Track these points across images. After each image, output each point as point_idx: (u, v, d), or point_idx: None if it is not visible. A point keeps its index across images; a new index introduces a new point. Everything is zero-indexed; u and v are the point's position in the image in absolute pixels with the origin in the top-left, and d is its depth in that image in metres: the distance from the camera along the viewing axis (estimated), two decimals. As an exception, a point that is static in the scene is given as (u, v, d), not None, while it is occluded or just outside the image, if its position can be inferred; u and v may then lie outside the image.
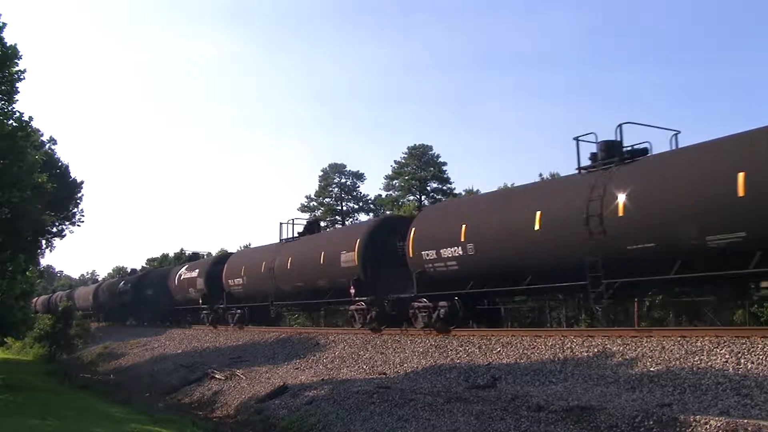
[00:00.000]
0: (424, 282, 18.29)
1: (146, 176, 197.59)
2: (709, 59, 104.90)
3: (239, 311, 29.36)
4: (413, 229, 19.08)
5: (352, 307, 21.48)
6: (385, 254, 20.19)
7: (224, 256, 34.47)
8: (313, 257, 23.18)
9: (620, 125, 14.80)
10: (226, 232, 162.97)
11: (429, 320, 18.15)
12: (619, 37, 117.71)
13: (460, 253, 17.03)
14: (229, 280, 29.72)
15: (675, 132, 14.55)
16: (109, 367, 29.17)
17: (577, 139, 15.56)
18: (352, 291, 20.66)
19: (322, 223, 54.35)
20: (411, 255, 18.79)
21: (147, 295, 41.13)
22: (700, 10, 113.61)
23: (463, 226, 17.02)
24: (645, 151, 14.56)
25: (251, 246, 51.39)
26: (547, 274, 14.88)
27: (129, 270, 64.39)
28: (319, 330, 23.36)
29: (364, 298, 20.71)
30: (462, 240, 16.90)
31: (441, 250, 17.60)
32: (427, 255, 18.04)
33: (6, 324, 20.97)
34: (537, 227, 14.92)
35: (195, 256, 42.19)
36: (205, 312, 32.77)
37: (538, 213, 14.98)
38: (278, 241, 27.50)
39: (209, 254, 51.66)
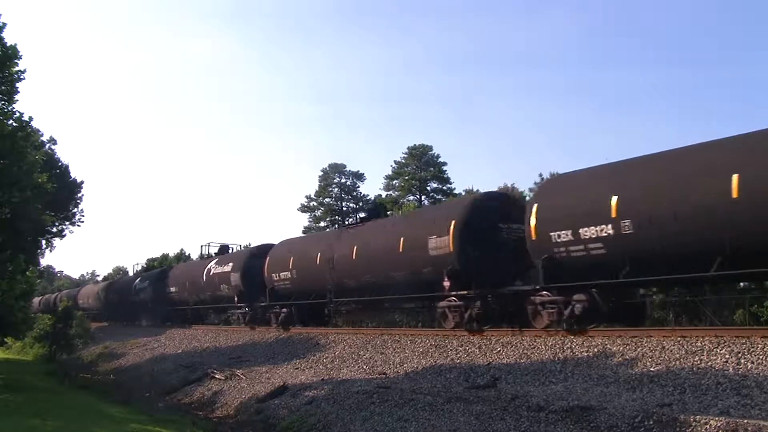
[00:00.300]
0: (551, 271, 15.02)
1: (146, 176, 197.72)
2: (709, 59, 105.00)
3: (285, 310, 25.66)
4: (535, 205, 15.83)
5: (442, 303, 18.02)
6: (486, 238, 17.13)
7: (264, 248, 30.05)
8: (387, 245, 19.75)
9: None
10: (225, 232, 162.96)
11: (558, 318, 14.94)
12: (619, 37, 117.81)
13: (610, 232, 13.78)
14: (273, 275, 26.07)
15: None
16: (109, 367, 29.14)
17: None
18: (447, 284, 17.35)
19: (322, 223, 54.54)
20: (534, 237, 15.44)
21: (169, 293, 37.87)
22: (700, 10, 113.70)
23: (614, 198, 13.82)
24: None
25: (243, 245, 50.11)
26: (749, 256, 11.78)
27: (142, 266, 61.64)
28: (319, 330, 23.29)
29: (462, 292, 17.22)
30: (613, 216, 13.73)
31: (580, 230, 14.33)
32: (559, 237, 14.76)
33: (6, 324, 20.94)
34: (735, 195, 11.81)
35: (224, 249, 36.70)
36: (240, 311, 29.59)
37: (735, 177, 11.85)
38: (335, 228, 25.12)
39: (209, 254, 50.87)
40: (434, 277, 17.70)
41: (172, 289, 37.63)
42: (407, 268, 18.82)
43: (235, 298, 29.37)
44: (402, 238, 19.14)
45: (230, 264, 30.75)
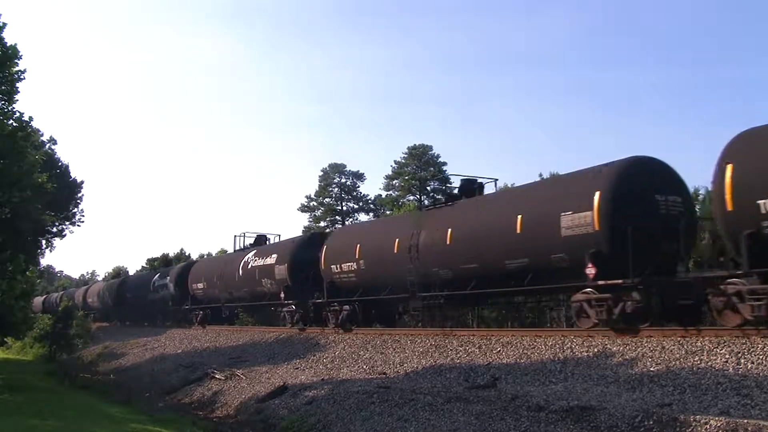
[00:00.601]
0: (755, 252, 11.56)
1: (146, 176, 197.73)
2: (709, 59, 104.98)
3: (347, 307, 21.86)
4: (729, 166, 12.14)
5: (579, 296, 14.56)
6: (643, 212, 13.83)
7: (315, 236, 27.35)
8: (497, 226, 16.26)
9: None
10: (226, 232, 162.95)
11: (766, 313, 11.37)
12: (619, 37, 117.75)
13: None
14: (333, 266, 22.36)
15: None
16: (109, 367, 29.17)
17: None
18: (591, 271, 14.01)
19: (322, 223, 54.51)
20: (730, 208, 12.05)
21: (193, 289, 34.38)
22: (700, 10, 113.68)
23: None
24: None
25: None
26: None
27: (142, 266, 59.67)
28: (319, 330, 23.26)
29: (614, 282, 13.54)
30: None
31: None
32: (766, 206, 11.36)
33: (6, 324, 20.97)
34: None
35: (262, 239, 32.35)
36: (286, 309, 25.74)
37: None
38: (416, 209, 21.58)
39: (209, 254, 50.32)
40: (570, 264, 14.49)
41: (198, 286, 33.86)
42: (527, 253, 15.41)
43: (282, 295, 25.31)
44: (520, 217, 15.61)
45: (274, 255, 26.49)
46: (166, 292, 38.08)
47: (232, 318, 34.11)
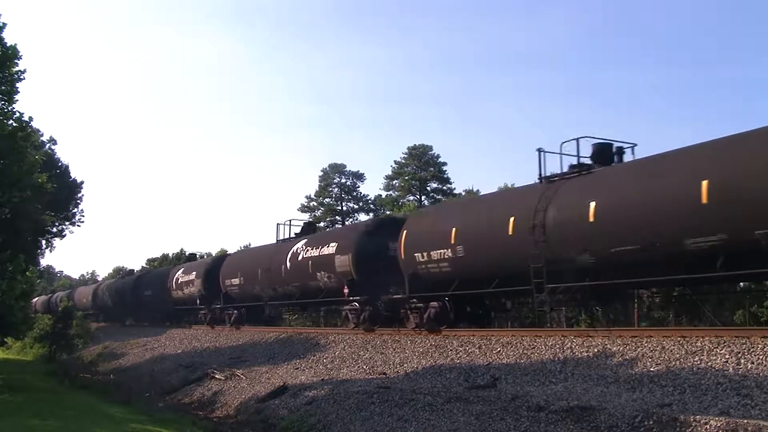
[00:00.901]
0: None
1: (146, 176, 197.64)
2: (709, 59, 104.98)
3: (436, 303, 18.21)
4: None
5: None
6: None
7: (387, 221, 23.93)
8: (670, 195, 12.49)
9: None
10: (225, 232, 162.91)
11: None
12: (619, 37, 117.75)
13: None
14: (417, 255, 18.46)
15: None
16: (109, 367, 29.16)
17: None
18: None
19: (321, 224, 54.50)
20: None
21: (230, 286, 30.06)
22: (700, 10, 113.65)
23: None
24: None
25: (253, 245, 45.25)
26: None
27: (142, 266, 56.79)
28: (319, 330, 23.27)
29: None
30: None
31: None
32: None
33: (6, 324, 20.97)
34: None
35: (311, 227, 28.85)
36: (348, 308, 22.23)
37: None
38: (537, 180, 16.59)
39: (208, 254, 49.70)
40: None
41: (233, 282, 29.72)
42: (719, 228, 11.64)
43: (345, 290, 21.27)
44: (706, 182, 11.72)
45: (333, 244, 22.57)
46: (190, 289, 33.87)
47: (276, 318, 30.94)
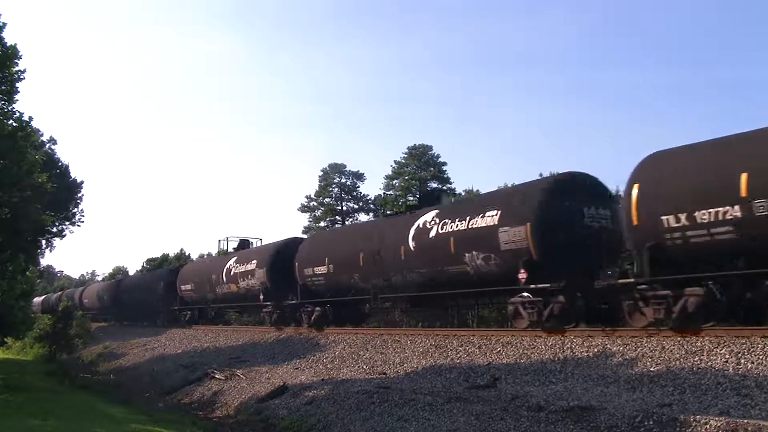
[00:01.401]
0: None
1: (146, 176, 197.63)
2: (709, 59, 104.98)
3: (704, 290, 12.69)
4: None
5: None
6: None
7: (578, 177, 16.51)
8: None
9: None
10: (225, 232, 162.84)
11: None
12: (619, 37, 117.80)
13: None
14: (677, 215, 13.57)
15: None
16: (109, 367, 29.17)
17: None
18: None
19: (322, 223, 54.54)
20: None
21: (306, 277, 24.65)
22: (700, 10, 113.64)
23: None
24: None
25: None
26: None
27: (142, 266, 56.83)
28: (319, 330, 23.24)
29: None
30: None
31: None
32: None
33: (6, 324, 21.00)
34: None
35: (434, 195, 24.59)
36: (520, 300, 16.01)
37: None
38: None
39: (209, 254, 49.32)
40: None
41: (316, 271, 23.77)
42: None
43: (521, 275, 15.46)
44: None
45: (495, 212, 16.45)
46: (249, 282, 30.02)
47: (384, 314, 26.15)
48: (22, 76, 16.93)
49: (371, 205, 56.09)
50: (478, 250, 16.74)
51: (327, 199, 56.33)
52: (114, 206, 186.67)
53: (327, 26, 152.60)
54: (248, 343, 24.87)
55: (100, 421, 13.34)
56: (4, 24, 16.29)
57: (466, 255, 17.05)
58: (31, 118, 17.81)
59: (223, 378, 18.94)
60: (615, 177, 35.40)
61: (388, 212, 26.91)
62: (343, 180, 56.34)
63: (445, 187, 51.57)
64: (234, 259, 30.92)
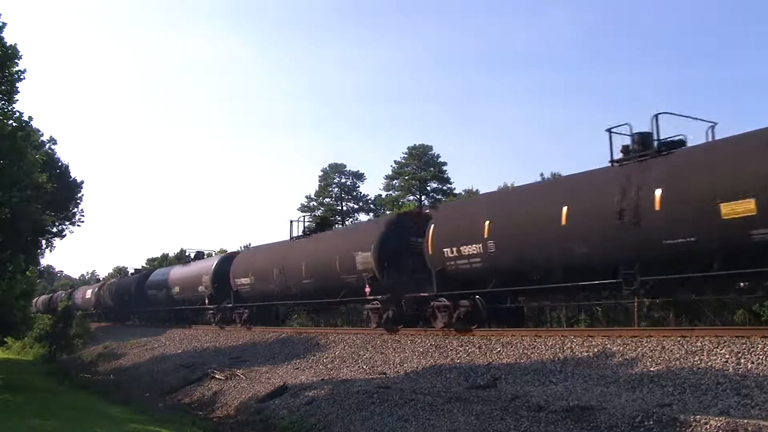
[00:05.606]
0: None
1: (146, 176, 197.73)
2: (709, 59, 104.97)
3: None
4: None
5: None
6: None
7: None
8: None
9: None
10: (225, 232, 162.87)
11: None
12: (619, 37, 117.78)
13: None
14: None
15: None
16: (109, 367, 29.15)
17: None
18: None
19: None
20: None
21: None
22: (700, 10, 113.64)
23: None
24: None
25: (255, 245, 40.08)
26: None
27: (143, 266, 54.50)
28: (319, 330, 23.24)
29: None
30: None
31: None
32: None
33: (6, 324, 20.99)
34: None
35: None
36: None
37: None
38: None
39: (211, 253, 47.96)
40: None
41: (460, 252, 16.94)
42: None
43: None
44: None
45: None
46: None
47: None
48: (22, 76, 16.94)
49: (371, 205, 56.14)
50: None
51: (327, 199, 56.39)
52: (114, 206, 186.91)
53: (327, 26, 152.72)
54: (248, 343, 24.86)
55: (100, 421, 13.35)
56: (4, 24, 16.31)
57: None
58: (31, 118, 17.85)
59: (223, 378, 18.93)
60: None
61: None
62: (343, 180, 56.39)
63: (445, 187, 51.67)
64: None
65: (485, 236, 16.02)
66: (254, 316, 28.24)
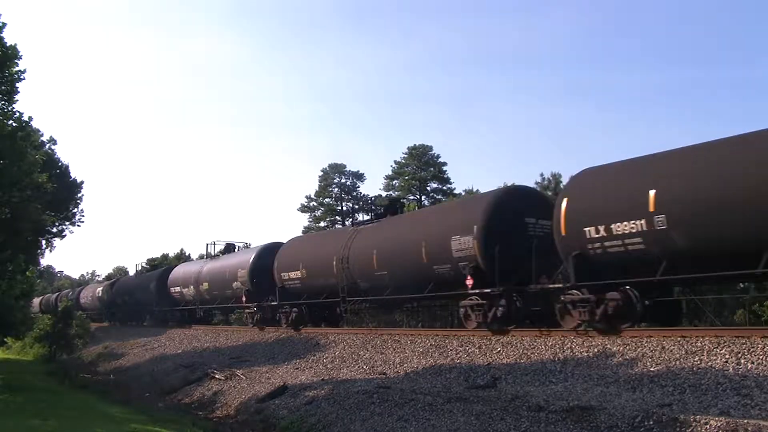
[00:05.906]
0: None
1: (146, 176, 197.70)
2: (709, 59, 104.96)
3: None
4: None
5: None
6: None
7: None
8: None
9: None
10: (225, 231, 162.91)
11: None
12: (619, 37, 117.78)
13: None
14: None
15: None
16: (109, 367, 29.16)
17: None
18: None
19: (322, 223, 54.49)
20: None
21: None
22: (700, 10, 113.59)
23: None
24: None
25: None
26: None
27: (143, 265, 50.77)
28: (319, 330, 23.23)
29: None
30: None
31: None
32: None
33: (5, 324, 21.00)
34: None
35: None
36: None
37: None
38: None
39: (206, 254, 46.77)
40: None
41: (609, 230, 14.09)
42: None
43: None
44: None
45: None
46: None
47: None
48: (22, 76, 16.96)
49: (371, 206, 56.12)
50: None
51: (327, 199, 56.42)
52: (114, 206, 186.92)
53: (327, 26, 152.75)
54: (248, 343, 24.86)
55: (100, 421, 13.34)
56: (4, 24, 16.32)
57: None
58: (31, 118, 17.88)
59: (223, 378, 18.93)
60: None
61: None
62: (343, 180, 56.42)
63: (445, 187, 51.68)
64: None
65: (651, 209, 12.47)
66: (305, 315, 24.46)
